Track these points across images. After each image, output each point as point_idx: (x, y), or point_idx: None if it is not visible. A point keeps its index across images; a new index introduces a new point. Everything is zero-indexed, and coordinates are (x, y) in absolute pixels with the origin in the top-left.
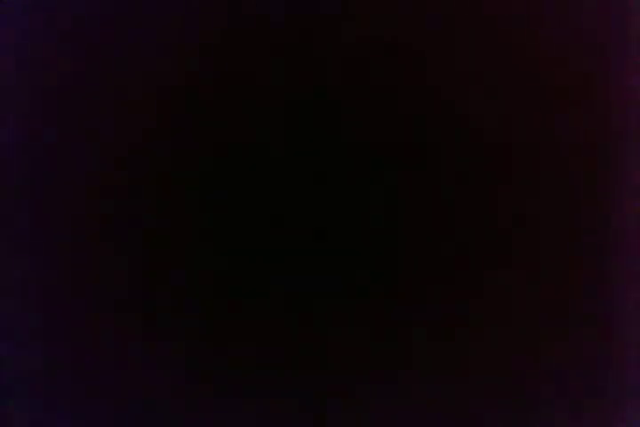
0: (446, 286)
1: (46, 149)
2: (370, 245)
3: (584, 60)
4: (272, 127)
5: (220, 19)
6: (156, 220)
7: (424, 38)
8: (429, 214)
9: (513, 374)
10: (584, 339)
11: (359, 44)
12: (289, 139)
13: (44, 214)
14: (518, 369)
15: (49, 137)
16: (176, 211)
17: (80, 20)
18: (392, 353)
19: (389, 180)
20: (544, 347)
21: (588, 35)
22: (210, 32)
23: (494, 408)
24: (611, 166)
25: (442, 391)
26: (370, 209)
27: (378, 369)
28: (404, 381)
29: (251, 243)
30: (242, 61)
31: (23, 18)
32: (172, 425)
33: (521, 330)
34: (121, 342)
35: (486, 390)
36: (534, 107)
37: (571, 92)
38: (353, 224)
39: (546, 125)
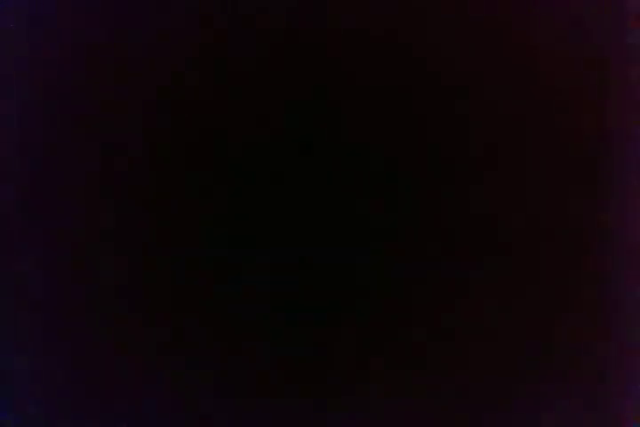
0: (446, 286)
1: (46, 150)
2: (367, 245)
3: (583, 60)
4: (272, 127)
5: (220, 19)
6: (156, 219)
7: (424, 39)
8: (429, 216)
9: (513, 374)
10: (584, 339)
11: (359, 44)
12: (288, 139)
13: (42, 214)
14: (518, 369)
15: (48, 138)
16: (175, 211)
17: (80, 18)
18: (391, 353)
19: (388, 181)
20: (543, 347)
21: (587, 33)
22: (209, 32)
23: (494, 408)
24: (611, 166)
25: (442, 391)
26: (368, 213)
27: (378, 369)
28: (405, 380)
29: (251, 243)
30: (241, 62)
31: (23, 17)
32: (170, 425)
33: (520, 330)
34: (119, 342)
35: (487, 390)
36: (534, 107)
37: (570, 93)
38: (351, 226)
39: (546, 125)
